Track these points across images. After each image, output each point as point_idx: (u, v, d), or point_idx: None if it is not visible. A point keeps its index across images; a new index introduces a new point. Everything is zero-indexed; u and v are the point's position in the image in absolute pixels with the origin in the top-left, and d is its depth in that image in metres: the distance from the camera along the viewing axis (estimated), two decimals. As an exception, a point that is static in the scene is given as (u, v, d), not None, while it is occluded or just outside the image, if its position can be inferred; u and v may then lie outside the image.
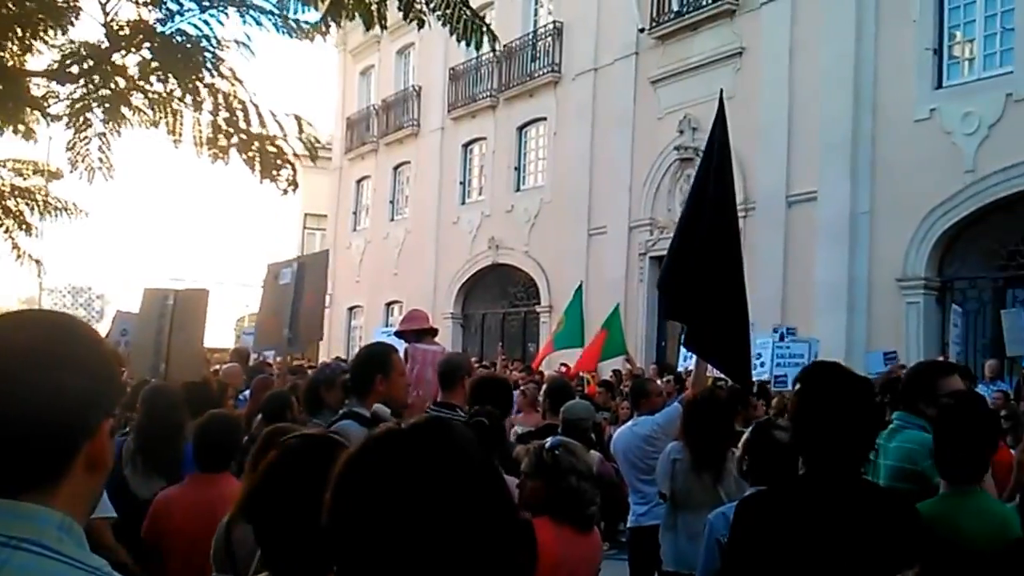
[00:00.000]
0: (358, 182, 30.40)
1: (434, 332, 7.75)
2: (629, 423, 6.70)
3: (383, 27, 6.27)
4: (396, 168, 28.30)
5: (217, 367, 11.00)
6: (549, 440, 3.22)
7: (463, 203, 25.06)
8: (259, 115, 7.05)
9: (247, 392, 8.01)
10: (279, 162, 7.08)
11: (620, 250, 19.33)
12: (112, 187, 9.24)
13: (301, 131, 7.14)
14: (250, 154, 7.00)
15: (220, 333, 25.08)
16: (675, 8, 18.52)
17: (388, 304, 27.27)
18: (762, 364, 12.10)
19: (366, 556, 1.19)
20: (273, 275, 7.18)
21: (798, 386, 2.84)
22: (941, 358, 12.14)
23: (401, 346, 7.44)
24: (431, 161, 26.01)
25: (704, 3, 17.77)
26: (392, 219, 28.25)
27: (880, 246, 14.63)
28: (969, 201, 13.72)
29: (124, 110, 7.34)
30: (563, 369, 13.91)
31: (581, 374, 14.00)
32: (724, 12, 17.37)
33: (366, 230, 29.50)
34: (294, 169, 7.24)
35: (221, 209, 31.05)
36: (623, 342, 13.07)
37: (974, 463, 3.15)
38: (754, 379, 11.86)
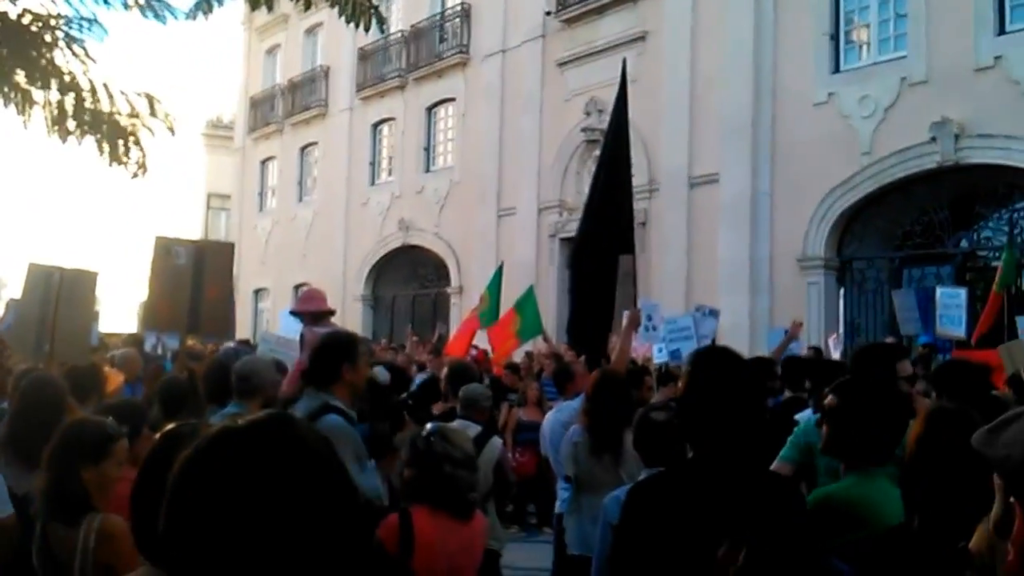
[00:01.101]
0: (263, 163, 29.78)
1: (331, 313, 7.49)
2: (554, 409, 6.58)
3: (269, 7, 6.09)
4: (303, 149, 27.82)
5: (113, 353, 10.62)
6: (428, 426, 3.19)
7: (372, 184, 24.80)
8: (109, 95, 6.72)
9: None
10: (128, 145, 6.75)
11: (530, 231, 19.38)
12: (10, 169, 8.81)
13: (153, 112, 6.81)
14: (99, 136, 6.67)
15: (119, 317, 24.37)
16: (581, -9, 18.60)
17: (296, 286, 26.79)
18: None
19: (205, 563, 1.14)
20: (164, 250, 6.71)
21: (687, 369, 2.82)
22: (834, 336, 12.51)
23: (295, 325, 7.18)
24: (340, 142, 25.65)
25: (608, -13, 17.89)
26: (300, 200, 27.77)
27: (781, 227, 14.97)
28: (866, 183, 14.12)
29: None
30: (477, 353, 13.82)
31: (489, 354, 13.97)
32: (628, -4, 17.51)
33: (273, 211, 28.94)
34: (143, 152, 6.92)
35: (122, 190, 30.12)
36: (540, 323, 13.06)
37: (881, 445, 3.08)
38: (660, 362, 12.06)
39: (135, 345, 10.22)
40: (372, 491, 3.58)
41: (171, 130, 6.92)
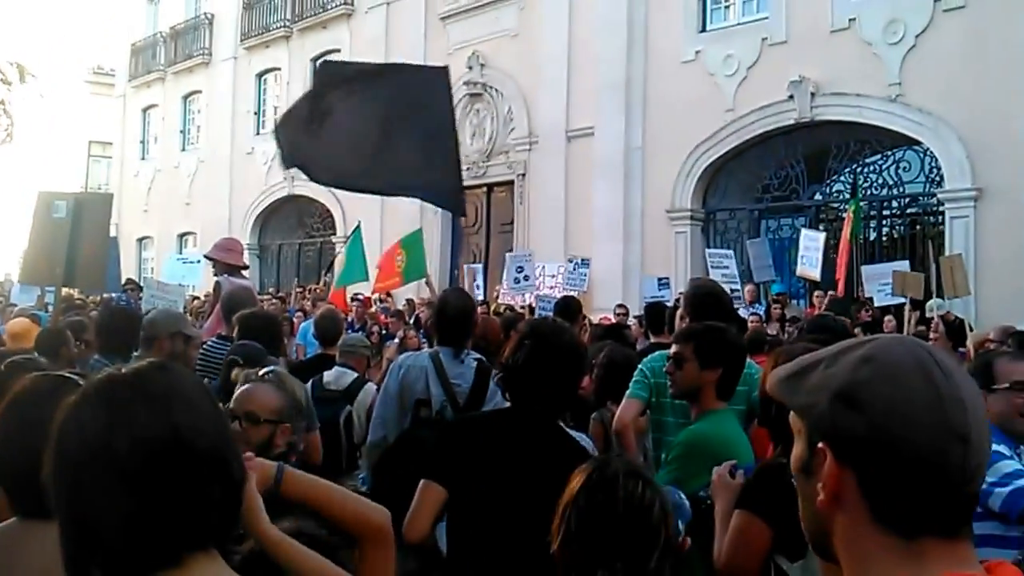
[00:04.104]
0: (144, 110, 29.13)
1: (245, 267, 7.60)
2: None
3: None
4: (186, 97, 27.36)
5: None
6: (266, 368, 3.14)
7: (258, 134, 24.57)
8: None
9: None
10: None
11: (415, 181, 19.56)
12: None
13: (23, 80, 6.71)
14: None
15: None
16: (463, -56, 18.81)
17: (181, 235, 26.57)
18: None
19: (88, 510, 1.14)
20: (45, 205, 6.72)
21: (520, 335, 3.01)
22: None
23: (177, 272, 7.16)
24: (224, 91, 25.35)
25: (489, -60, 18.14)
26: (183, 149, 27.35)
27: (652, 179, 15.68)
28: (730, 138, 14.88)
29: None
30: (361, 297, 14.04)
31: (374, 300, 14.33)
32: (510, -49, 17.81)
33: (155, 159, 28.41)
34: (12, 120, 6.82)
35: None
36: (424, 265, 13.20)
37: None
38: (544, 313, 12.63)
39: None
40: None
41: (41, 94, 6.86)
